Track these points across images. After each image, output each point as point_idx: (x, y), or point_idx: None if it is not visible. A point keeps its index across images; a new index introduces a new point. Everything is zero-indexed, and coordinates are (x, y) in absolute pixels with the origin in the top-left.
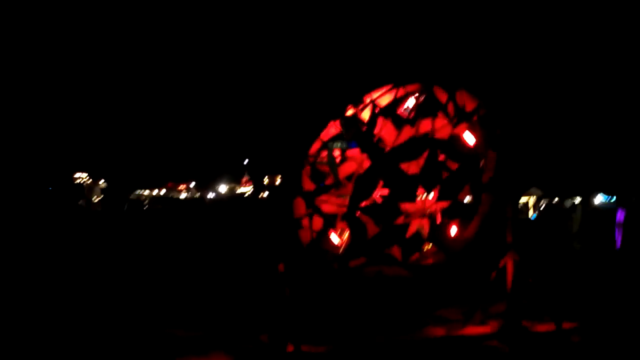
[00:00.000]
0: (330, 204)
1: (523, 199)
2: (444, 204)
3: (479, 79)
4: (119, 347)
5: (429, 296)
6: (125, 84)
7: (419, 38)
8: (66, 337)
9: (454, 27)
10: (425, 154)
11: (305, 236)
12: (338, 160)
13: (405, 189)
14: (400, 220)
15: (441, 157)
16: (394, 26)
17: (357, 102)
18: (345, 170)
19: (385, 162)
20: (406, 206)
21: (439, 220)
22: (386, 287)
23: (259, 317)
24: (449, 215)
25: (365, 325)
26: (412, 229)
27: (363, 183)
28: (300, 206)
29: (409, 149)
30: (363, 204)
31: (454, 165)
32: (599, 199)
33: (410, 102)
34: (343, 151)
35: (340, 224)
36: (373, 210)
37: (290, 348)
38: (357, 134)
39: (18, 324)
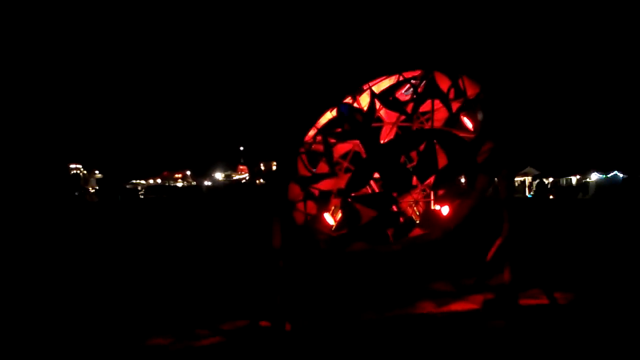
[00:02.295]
0: (325, 183)
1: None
2: (439, 192)
3: (480, 64)
4: (116, 332)
5: (421, 270)
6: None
7: (419, 24)
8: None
9: (455, 12)
10: (422, 147)
11: (299, 217)
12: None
13: (400, 180)
14: (394, 208)
15: (438, 148)
16: (394, 13)
17: (356, 91)
18: (341, 149)
19: (381, 154)
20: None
21: (431, 204)
22: (377, 262)
23: (257, 304)
24: (442, 198)
25: (357, 300)
26: (406, 215)
27: (358, 174)
28: (295, 189)
29: (406, 142)
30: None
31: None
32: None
33: (411, 88)
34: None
35: (335, 201)
36: (367, 199)
37: (288, 327)
38: (354, 123)
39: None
